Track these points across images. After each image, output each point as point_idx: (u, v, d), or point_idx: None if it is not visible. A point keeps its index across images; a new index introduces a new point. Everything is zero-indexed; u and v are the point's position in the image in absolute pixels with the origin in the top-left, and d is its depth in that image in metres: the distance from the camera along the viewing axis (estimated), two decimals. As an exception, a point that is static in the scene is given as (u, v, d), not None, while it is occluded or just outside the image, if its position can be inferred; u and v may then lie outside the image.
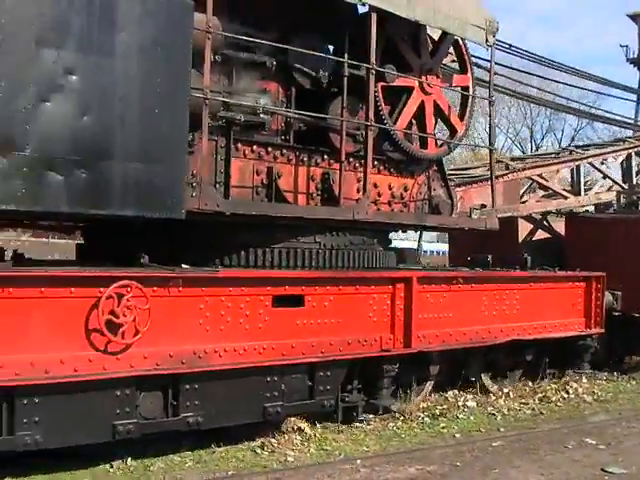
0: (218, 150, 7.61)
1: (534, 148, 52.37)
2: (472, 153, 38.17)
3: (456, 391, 9.74)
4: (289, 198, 8.12)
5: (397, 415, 8.59)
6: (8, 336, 5.77)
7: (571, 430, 8.57)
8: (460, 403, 9.40)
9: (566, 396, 10.29)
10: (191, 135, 6.88)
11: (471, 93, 9.75)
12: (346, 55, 8.18)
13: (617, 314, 11.64)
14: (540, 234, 13.42)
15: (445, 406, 9.17)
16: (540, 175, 12.89)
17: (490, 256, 10.17)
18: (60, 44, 5.80)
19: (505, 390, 10.06)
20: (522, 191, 13.42)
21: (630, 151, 14.30)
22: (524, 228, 13.11)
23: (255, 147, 7.94)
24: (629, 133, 22.08)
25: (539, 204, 13.07)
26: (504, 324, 9.54)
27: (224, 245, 7.68)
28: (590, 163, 13.80)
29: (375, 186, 8.75)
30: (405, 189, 9.30)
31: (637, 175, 14.46)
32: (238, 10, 7.60)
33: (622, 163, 14.50)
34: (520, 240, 12.99)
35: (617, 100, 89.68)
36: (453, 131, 9.67)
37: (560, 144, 53.84)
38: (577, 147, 15.77)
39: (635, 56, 35.12)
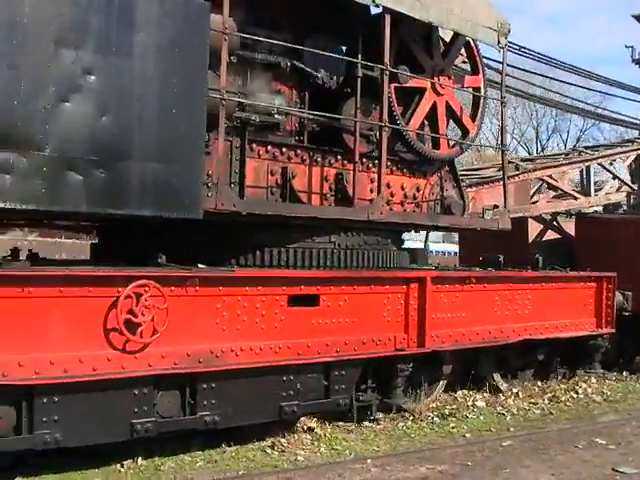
0: (233, 150, 7.64)
1: (540, 149, 52.42)
2: (477, 154, 38.19)
3: (465, 391, 9.75)
4: (303, 198, 8.15)
5: (407, 415, 8.60)
6: (28, 335, 5.79)
7: (581, 430, 8.57)
8: (469, 403, 9.42)
9: (575, 396, 10.30)
10: (206, 135, 6.90)
11: (483, 94, 9.78)
12: (359, 56, 8.21)
13: (627, 314, 11.65)
14: (550, 234, 13.44)
15: (454, 406, 9.18)
16: (550, 176, 12.91)
17: (502, 256, 10.18)
18: (79, 44, 5.83)
19: (514, 390, 10.06)
20: (532, 192, 13.43)
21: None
22: (534, 228, 13.14)
23: (270, 147, 7.98)
24: (635, 133, 22.07)
25: (550, 204, 13.09)
26: (516, 324, 9.55)
27: (239, 245, 7.71)
28: (600, 164, 13.80)
29: (388, 186, 8.77)
30: (417, 189, 9.33)
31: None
32: (253, 11, 7.63)
33: (630, 164, 14.49)
34: (530, 240, 13.01)
35: (622, 101, 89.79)
36: (465, 132, 9.70)
37: (566, 145, 53.85)
38: (586, 148, 15.80)
39: (640, 57, 34.98)
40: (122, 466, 6.59)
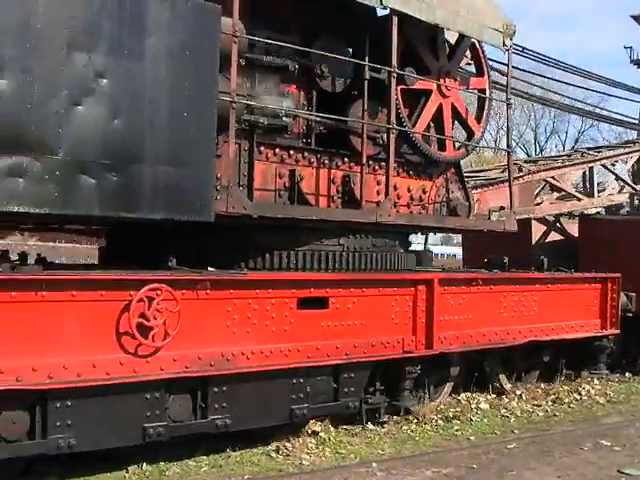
0: (241, 153, 7.64)
1: (538, 150, 52.50)
2: (476, 156, 38.15)
3: (468, 393, 9.73)
4: (311, 201, 8.16)
5: (410, 418, 8.59)
6: (41, 339, 5.77)
7: (585, 432, 8.59)
8: (473, 405, 9.41)
9: (578, 398, 10.32)
10: (216, 138, 6.90)
11: (488, 95, 9.79)
12: (366, 58, 8.21)
13: (630, 315, 11.67)
14: (553, 236, 13.46)
15: (458, 409, 9.17)
16: (553, 177, 12.93)
17: (506, 258, 10.20)
18: (91, 48, 5.82)
19: (518, 392, 10.06)
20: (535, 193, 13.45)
21: (642, 153, 14.38)
22: (537, 230, 13.16)
23: (277, 150, 7.98)
24: (634, 133, 22.10)
25: (553, 206, 13.11)
26: (522, 325, 9.58)
27: (248, 247, 7.71)
28: (603, 165, 13.83)
29: (395, 188, 8.76)
30: (424, 191, 9.34)
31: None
32: (260, 14, 7.63)
33: (633, 165, 14.53)
34: (534, 242, 13.03)
35: (620, 102, 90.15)
36: (470, 134, 9.71)
37: (564, 146, 54.02)
38: (589, 149, 15.83)
39: (639, 57, 35.13)
40: (127, 471, 6.57)
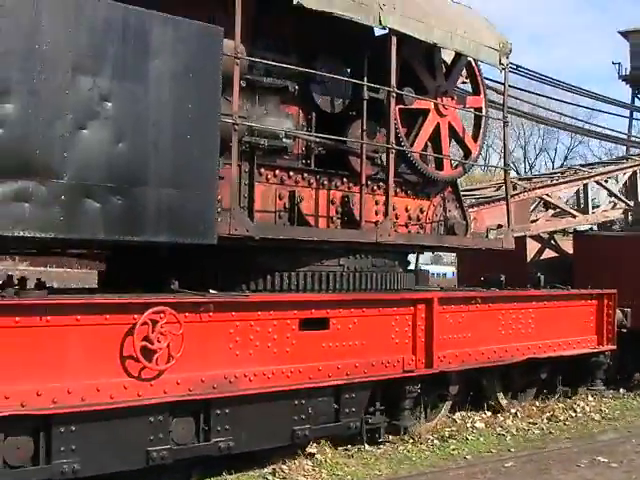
0: (242, 175, 7.64)
1: (528, 168, 52.78)
2: (465, 175, 38.15)
3: (464, 412, 9.70)
4: (310, 221, 8.19)
5: (406, 438, 8.56)
6: (45, 364, 5.75)
7: (582, 449, 8.57)
8: (468, 424, 9.38)
9: (574, 415, 10.32)
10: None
11: (484, 114, 9.85)
12: (365, 78, 8.25)
13: (625, 330, 11.72)
14: (547, 253, 13.52)
15: (454, 428, 9.14)
16: (548, 194, 13.02)
17: (503, 276, 10.24)
18: (96, 71, 5.83)
19: (513, 410, 10.06)
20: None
21: (635, 169, 14.46)
22: (532, 247, 13.22)
23: (277, 171, 8.01)
24: (623, 149, 22.24)
25: (549, 223, 13.19)
26: (520, 343, 9.61)
27: (249, 269, 7.71)
28: (598, 182, 13.93)
29: (393, 208, 8.79)
30: (421, 211, 9.38)
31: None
32: (260, 35, 7.67)
33: (626, 182, 14.63)
34: (529, 259, 13.08)
35: (609, 118, 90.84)
36: (467, 152, 9.76)
37: (553, 163, 54.33)
38: (582, 166, 15.95)
39: (627, 73, 35.43)
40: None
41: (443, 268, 33.07)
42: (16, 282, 6.55)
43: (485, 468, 7.69)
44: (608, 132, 20.11)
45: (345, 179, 8.54)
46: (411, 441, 8.53)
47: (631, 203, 14.22)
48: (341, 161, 8.54)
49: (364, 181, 8.20)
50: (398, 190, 9.04)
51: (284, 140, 7.79)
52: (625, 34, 35.34)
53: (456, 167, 9.74)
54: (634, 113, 32.16)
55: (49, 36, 5.62)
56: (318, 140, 8.34)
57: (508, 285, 10.27)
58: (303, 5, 7.26)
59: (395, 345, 8.13)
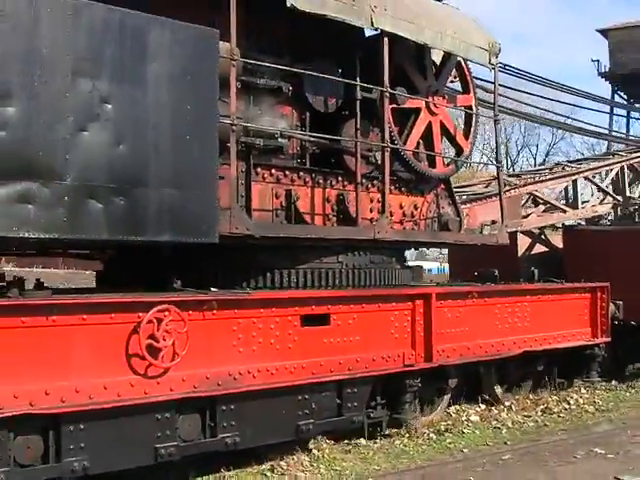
0: (239, 174, 7.72)
1: (510, 164, 52.95)
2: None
3: (458, 406, 9.75)
4: (307, 219, 8.27)
5: (403, 432, 8.61)
6: (53, 363, 5.81)
7: (577, 441, 8.61)
8: (464, 418, 9.42)
9: (567, 407, 10.36)
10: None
11: (474, 112, 9.98)
12: (358, 78, 8.36)
13: (617, 323, 11.84)
14: (537, 247, 13.65)
15: (449, 422, 9.18)
16: (538, 191, 13.17)
17: (496, 270, 10.34)
18: (95, 74, 5.91)
19: (507, 403, 10.13)
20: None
21: (623, 164, 14.64)
22: (522, 242, 13.34)
23: (274, 171, 8.10)
24: (605, 145, 22.35)
25: (540, 218, 13.33)
26: (517, 336, 9.72)
27: (249, 267, 7.79)
28: (587, 177, 14.09)
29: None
30: (415, 207, 9.49)
31: (629, 187, 14.80)
32: (254, 37, 7.77)
33: (613, 177, 14.82)
34: (520, 254, 13.21)
35: (590, 114, 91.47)
36: (459, 150, 9.89)
37: (535, 159, 54.56)
38: (570, 162, 16.11)
39: (607, 70, 35.68)
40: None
41: (427, 264, 33.27)
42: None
43: (483, 461, 7.72)
44: (591, 128, 20.21)
45: (340, 177, 8.64)
46: (407, 435, 8.56)
47: (619, 198, 14.38)
48: (336, 160, 8.65)
49: (359, 179, 8.29)
50: (392, 187, 9.12)
51: (279, 140, 7.89)
52: (604, 32, 35.57)
53: (449, 164, 9.86)
54: (614, 109, 32.38)
55: (49, 40, 5.70)
56: (313, 139, 8.44)
57: (500, 280, 10.39)
58: (296, 7, 7.37)
59: (395, 340, 8.23)
